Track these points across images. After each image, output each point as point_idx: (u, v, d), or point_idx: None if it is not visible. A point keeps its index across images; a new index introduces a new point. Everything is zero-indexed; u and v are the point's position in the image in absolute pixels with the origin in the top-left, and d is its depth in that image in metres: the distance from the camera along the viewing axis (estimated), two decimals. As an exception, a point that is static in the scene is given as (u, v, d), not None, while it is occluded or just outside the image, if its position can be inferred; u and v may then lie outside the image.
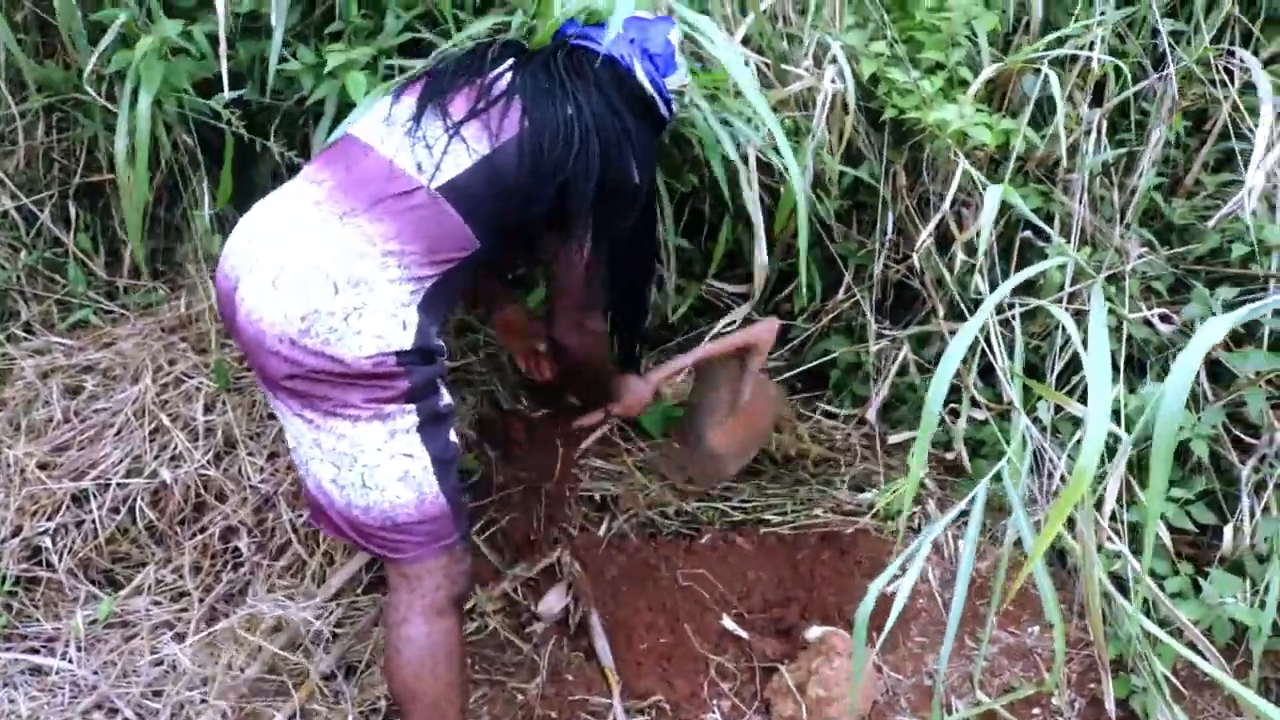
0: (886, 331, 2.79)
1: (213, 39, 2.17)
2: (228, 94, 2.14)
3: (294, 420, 1.82)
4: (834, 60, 2.51)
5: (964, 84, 2.57)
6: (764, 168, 2.60)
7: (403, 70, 2.21)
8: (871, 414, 2.77)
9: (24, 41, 2.49)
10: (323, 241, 1.76)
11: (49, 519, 2.27)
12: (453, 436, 1.89)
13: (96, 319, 2.57)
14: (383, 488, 1.80)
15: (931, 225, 2.54)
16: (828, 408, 2.89)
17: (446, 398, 1.86)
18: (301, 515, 2.31)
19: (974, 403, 2.56)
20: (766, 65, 2.59)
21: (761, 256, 2.52)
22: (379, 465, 1.79)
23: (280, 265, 1.76)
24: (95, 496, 2.29)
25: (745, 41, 2.53)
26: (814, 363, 2.88)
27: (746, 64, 2.34)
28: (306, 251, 1.75)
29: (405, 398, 1.78)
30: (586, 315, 2.11)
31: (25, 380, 2.43)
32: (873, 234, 2.79)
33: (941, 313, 2.73)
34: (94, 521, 2.28)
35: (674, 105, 2.14)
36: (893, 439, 2.76)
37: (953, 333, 2.67)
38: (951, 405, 2.60)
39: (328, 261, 1.74)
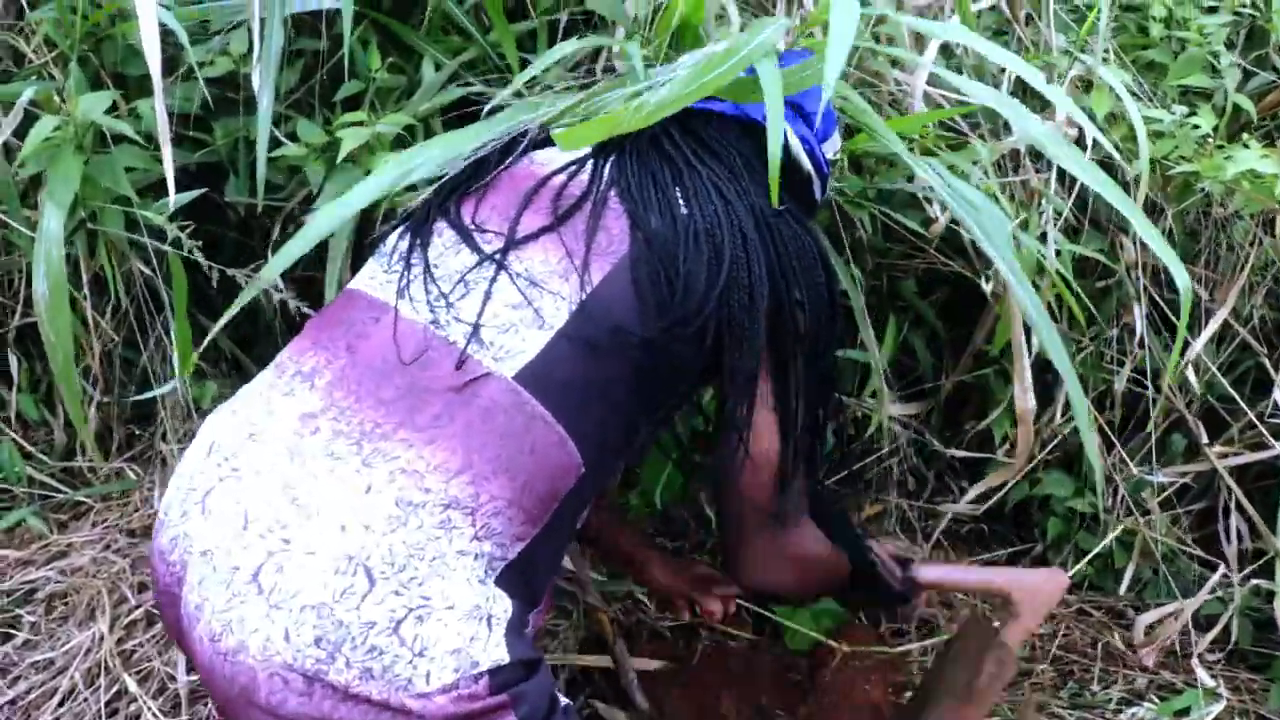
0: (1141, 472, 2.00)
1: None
2: (174, 197, 1.35)
3: None
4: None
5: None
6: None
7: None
8: (1122, 590, 1.99)
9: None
10: (332, 497, 1.02)
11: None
12: None
13: (37, 520, 1.82)
14: None
15: (1217, 322, 1.78)
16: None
17: (565, 706, 1.11)
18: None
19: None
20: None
21: (1026, 399, 1.68)
22: None
23: (264, 550, 1.01)
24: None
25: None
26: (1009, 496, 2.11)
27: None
28: (307, 519, 1.02)
29: None
30: (791, 533, 1.32)
31: (-65, 614, 1.69)
32: (1096, 329, 2.04)
33: (1204, 438, 1.97)
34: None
35: (829, 179, 1.43)
36: (1144, 618, 1.97)
37: (1236, 470, 1.99)
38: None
39: (350, 534, 1.00)
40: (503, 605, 1.03)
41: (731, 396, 1.18)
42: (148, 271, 1.64)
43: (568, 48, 1.45)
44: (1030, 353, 1.84)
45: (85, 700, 1.56)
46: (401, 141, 1.54)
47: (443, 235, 1.19)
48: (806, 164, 1.32)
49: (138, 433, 1.98)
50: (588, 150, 1.24)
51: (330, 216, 1.20)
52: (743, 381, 1.18)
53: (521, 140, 1.27)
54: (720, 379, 1.20)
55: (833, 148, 1.44)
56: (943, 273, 2.06)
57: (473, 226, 1.18)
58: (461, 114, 1.67)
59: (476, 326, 1.09)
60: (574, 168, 1.22)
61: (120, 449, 2.00)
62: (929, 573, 1.53)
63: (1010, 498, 2.09)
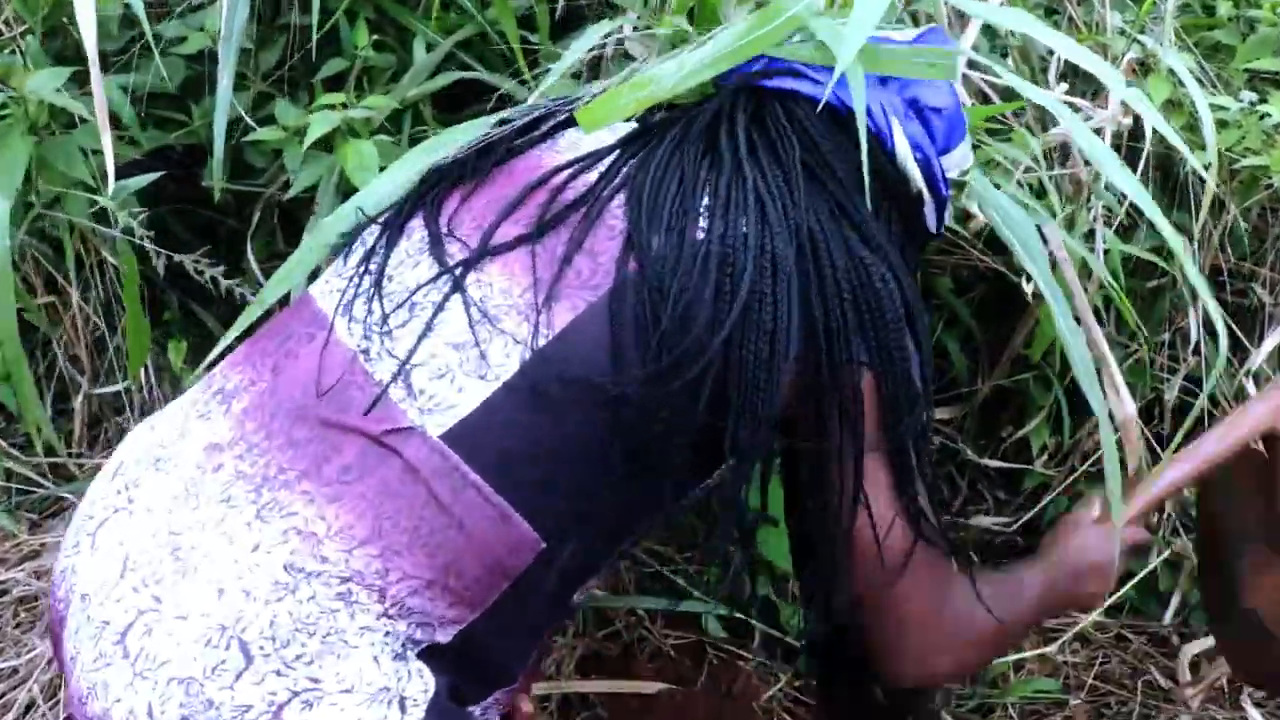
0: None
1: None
2: (114, 184, 1.24)
3: None
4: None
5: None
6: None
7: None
8: (1166, 620, 1.84)
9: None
10: (215, 553, 0.89)
11: None
12: None
13: (8, 519, 1.73)
14: None
15: (1281, 334, 1.62)
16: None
17: None
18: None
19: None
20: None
21: (1126, 405, 1.45)
22: None
23: (135, 606, 0.89)
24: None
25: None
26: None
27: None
28: (182, 577, 0.89)
29: None
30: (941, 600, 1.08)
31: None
32: (1144, 336, 1.88)
33: None
34: None
35: (948, 205, 1.15)
36: (1191, 649, 1.82)
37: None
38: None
39: (227, 599, 0.88)
40: (420, 685, 0.90)
41: (733, 472, 0.98)
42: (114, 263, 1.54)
43: (600, 30, 1.28)
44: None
45: (44, 715, 1.48)
46: (385, 129, 1.42)
47: (411, 237, 1.01)
48: (917, 177, 1.05)
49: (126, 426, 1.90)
50: (618, 138, 1.04)
51: (341, 219, 1.07)
52: (746, 454, 0.96)
53: (542, 124, 1.06)
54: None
55: (959, 164, 1.13)
56: (980, 270, 1.91)
57: (445, 230, 1.00)
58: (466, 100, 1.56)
59: (404, 366, 0.93)
60: (589, 160, 1.02)
61: (112, 441, 1.92)
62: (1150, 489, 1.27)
63: (1048, 511, 1.95)
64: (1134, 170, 1.66)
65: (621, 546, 1.04)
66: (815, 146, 1.01)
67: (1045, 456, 1.94)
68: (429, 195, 1.03)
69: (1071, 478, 1.89)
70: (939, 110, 1.07)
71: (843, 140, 1.01)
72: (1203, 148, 1.54)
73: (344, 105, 1.39)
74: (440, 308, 0.95)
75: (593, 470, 0.94)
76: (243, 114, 1.42)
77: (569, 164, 1.02)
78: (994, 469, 2.01)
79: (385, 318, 0.95)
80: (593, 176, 1.01)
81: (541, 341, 0.93)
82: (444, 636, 0.93)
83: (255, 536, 0.89)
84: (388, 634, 0.89)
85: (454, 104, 1.55)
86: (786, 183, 0.98)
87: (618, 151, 1.03)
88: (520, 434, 0.92)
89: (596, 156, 1.03)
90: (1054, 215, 1.51)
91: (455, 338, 0.94)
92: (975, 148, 1.46)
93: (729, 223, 0.96)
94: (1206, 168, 1.50)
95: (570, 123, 1.07)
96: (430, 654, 0.92)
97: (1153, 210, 1.16)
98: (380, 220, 1.05)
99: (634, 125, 1.07)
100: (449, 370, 0.93)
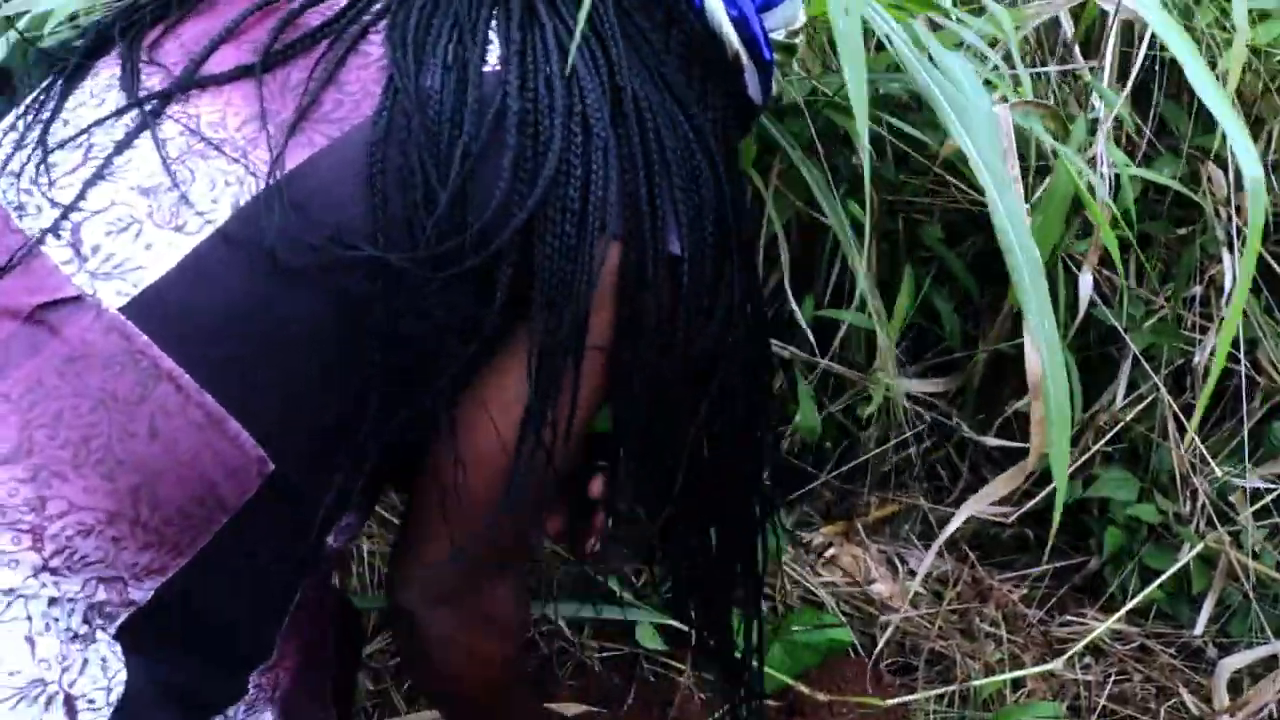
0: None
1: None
2: None
3: None
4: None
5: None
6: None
7: None
8: (1199, 630, 1.53)
9: None
10: None
11: None
12: None
13: None
14: None
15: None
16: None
17: None
18: None
19: None
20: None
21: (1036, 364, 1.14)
22: None
23: None
24: None
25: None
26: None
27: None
28: None
29: None
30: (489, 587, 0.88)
31: None
32: (1171, 289, 1.58)
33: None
34: None
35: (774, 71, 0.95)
36: (1230, 663, 1.51)
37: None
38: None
39: None
40: (100, 676, 0.67)
41: (532, 381, 0.77)
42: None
43: None
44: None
45: None
46: None
47: (98, 76, 0.79)
48: (733, 38, 0.87)
49: None
50: None
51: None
52: (549, 362, 0.77)
53: None
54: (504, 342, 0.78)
55: (784, 20, 0.93)
56: (974, 215, 1.62)
57: (145, 59, 0.78)
58: None
59: (65, 215, 0.70)
60: None
61: None
62: None
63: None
64: (1127, 85, 1.37)
65: (382, 479, 0.84)
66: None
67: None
68: (122, 25, 0.81)
69: (1085, 456, 1.59)
70: None
71: None
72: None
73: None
74: (125, 145, 0.73)
75: (332, 366, 0.73)
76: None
77: None
78: (995, 448, 1.72)
79: (47, 158, 0.73)
80: (340, 2, 0.79)
81: (274, 176, 0.71)
82: (138, 593, 0.69)
83: None
84: (52, 600, 0.66)
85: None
86: (596, 34, 0.80)
87: None
88: (233, 307, 0.70)
89: None
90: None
91: (144, 181, 0.72)
92: (938, 29, 1.18)
93: (526, 71, 0.76)
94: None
95: None
96: (131, 629, 0.69)
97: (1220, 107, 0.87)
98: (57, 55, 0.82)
99: None
100: (134, 221, 0.71)
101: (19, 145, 0.75)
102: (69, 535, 0.66)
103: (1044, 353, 0.88)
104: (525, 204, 0.74)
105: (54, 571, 0.66)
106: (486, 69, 0.76)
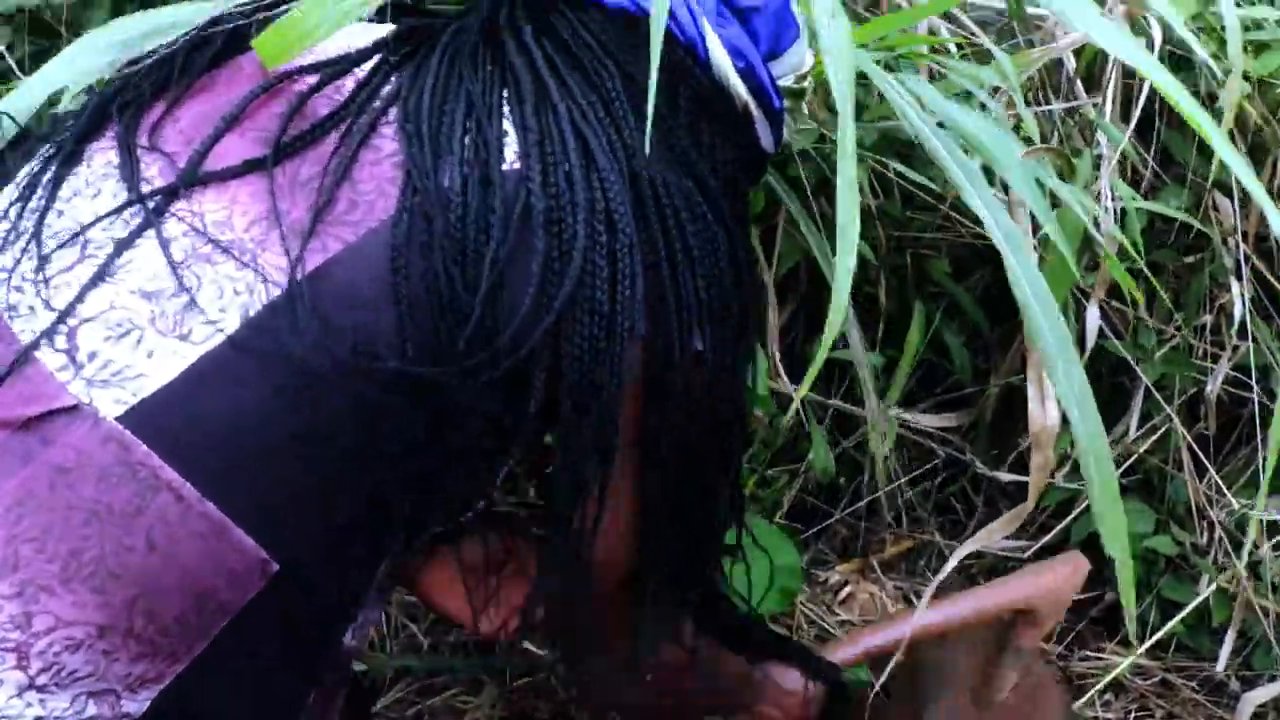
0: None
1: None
2: None
3: None
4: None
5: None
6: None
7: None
8: (1221, 665, 1.51)
9: None
10: None
11: None
12: None
13: None
14: None
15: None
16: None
17: None
18: None
19: None
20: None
21: (1045, 415, 1.12)
22: None
23: None
24: None
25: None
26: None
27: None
28: None
29: None
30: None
31: None
32: (1181, 318, 1.57)
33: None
34: None
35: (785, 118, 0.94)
36: (1255, 697, 1.49)
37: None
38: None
39: None
40: None
41: (563, 481, 0.78)
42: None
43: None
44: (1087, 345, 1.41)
45: None
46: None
47: (93, 162, 0.77)
48: (740, 90, 0.86)
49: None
50: (373, 41, 0.81)
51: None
52: (582, 465, 0.77)
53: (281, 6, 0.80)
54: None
55: (791, 67, 0.93)
56: (982, 250, 1.63)
57: (145, 146, 0.76)
58: None
59: (62, 319, 0.68)
60: (341, 65, 0.79)
61: None
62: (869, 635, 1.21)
63: (1073, 531, 1.64)
64: (1130, 119, 1.37)
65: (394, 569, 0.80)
66: (623, 64, 0.80)
67: (1068, 467, 1.62)
68: (119, 104, 0.78)
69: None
70: (758, 7, 0.87)
71: (646, 54, 0.74)
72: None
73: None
74: (127, 245, 0.71)
75: (346, 469, 0.70)
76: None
77: (314, 67, 0.77)
78: (1009, 483, 1.71)
79: (44, 260, 0.71)
80: (348, 84, 0.77)
81: (275, 290, 0.69)
82: (132, 705, 0.67)
83: None
84: (38, 719, 0.64)
85: None
86: (609, 114, 0.78)
87: (378, 57, 0.79)
88: (241, 417, 0.68)
89: (350, 60, 0.79)
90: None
91: (146, 284, 0.70)
92: (936, 78, 1.18)
93: (545, 161, 0.74)
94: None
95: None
96: None
97: (1224, 148, 0.88)
98: (52, 139, 0.80)
99: (390, 26, 0.84)
100: (134, 327, 0.69)
101: (8, 238, 0.73)
102: (56, 651, 0.65)
103: (1072, 403, 0.87)
104: (553, 306, 0.72)
105: (41, 689, 0.64)
106: (505, 166, 0.74)
